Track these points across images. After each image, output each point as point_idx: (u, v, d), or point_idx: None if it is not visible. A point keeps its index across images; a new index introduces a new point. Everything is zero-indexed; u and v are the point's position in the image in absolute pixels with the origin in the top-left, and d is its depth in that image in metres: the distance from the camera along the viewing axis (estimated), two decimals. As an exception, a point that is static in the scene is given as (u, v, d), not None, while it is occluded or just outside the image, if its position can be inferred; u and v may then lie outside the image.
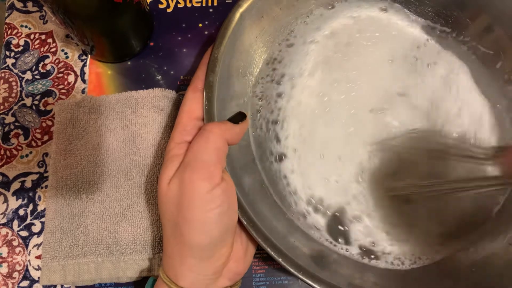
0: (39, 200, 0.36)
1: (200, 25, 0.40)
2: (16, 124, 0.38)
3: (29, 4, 0.41)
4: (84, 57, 0.40)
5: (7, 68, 0.40)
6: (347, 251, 0.31)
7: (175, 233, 0.26)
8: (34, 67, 0.39)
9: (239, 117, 0.29)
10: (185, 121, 0.28)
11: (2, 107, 0.38)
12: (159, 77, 0.39)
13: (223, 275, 0.27)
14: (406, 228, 0.32)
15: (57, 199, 0.34)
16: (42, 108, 0.38)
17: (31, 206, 0.36)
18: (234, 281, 0.28)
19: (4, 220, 0.36)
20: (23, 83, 0.39)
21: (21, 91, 0.39)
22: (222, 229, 0.25)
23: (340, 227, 0.32)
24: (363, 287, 0.29)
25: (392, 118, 0.33)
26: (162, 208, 0.27)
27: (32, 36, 0.40)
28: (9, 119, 0.38)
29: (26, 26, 0.41)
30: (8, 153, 0.37)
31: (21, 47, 0.40)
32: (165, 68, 0.39)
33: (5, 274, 0.35)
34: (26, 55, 0.40)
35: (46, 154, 0.37)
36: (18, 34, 0.40)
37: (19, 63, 0.40)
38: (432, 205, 0.32)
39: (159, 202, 0.27)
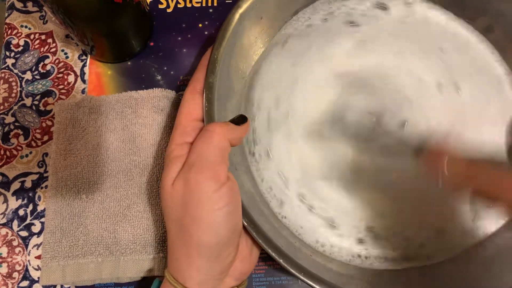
0: (39, 200, 0.36)
1: (200, 25, 0.40)
2: (16, 124, 0.38)
3: (29, 4, 0.41)
4: (84, 57, 0.40)
5: (7, 68, 0.40)
6: (341, 254, 0.31)
7: (181, 234, 0.26)
8: (34, 67, 0.39)
9: (240, 119, 0.29)
10: (184, 123, 0.28)
11: (2, 107, 0.38)
12: (159, 77, 0.39)
13: (229, 275, 0.27)
14: (400, 231, 0.31)
15: (57, 199, 0.34)
16: (42, 108, 0.38)
17: (31, 206, 0.36)
18: (240, 280, 0.28)
19: (4, 220, 0.36)
20: (23, 83, 0.39)
21: (21, 91, 0.39)
22: (229, 228, 0.26)
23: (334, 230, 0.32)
24: (362, 286, 0.29)
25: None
26: (167, 209, 0.27)
27: (32, 36, 0.40)
28: (9, 119, 0.38)
29: (26, 26, 0.41)
30: (8, 153, 0.37)
31: (21, 47, 0.40)
32: (165, 68, 0.39)
33: (5, 274, 0.35)
34: (26, 55, 0.40)
35: (46, 154, 0.37)
36: (18, 34, 0.40)
37: (19, 63, 0.40)
38: (423, 207, 0.32)
39: (163, 204, 0.27)
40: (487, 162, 0.31)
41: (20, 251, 0.35)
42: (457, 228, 0.31)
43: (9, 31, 0.41)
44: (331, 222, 0.32)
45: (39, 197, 0.36)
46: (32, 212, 0.36)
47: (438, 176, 0.30)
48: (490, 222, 0.31)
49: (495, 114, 0.33)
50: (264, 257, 0.35)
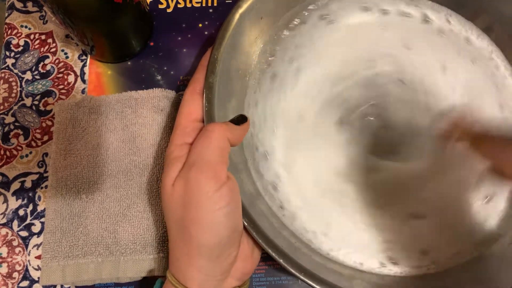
0: (39, 200, 0.36)
1: (200, 25, 0.40)
2: (16, 124, 0.38)
3: (29, 4, 0.41)
4: (84, 57, 0.40)
5: (7, 68, 0.40)
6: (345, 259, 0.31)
7: (182, 234, 0.26)
8: (34, 67, 0.39)
9: (240, 119, 0.29)
10: (184, 123, 0.28)
11: (2, 107, 0.38)
12: (159, 77, 0.39)
13: (231, 275, 0.27)
14: (407, 237, 0.31)
15: (57, 199, 0.34)
16: (42, 108, 0.38)
17: (31, 206, 0.36)
18: (242, 280, 0.28)
19: (4, 220, 0.36)
20: (23, 83, 0.39)
21: (21, 91, 0.39)
22: (230, 228, 0.26)
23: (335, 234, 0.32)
24: (363, 286, 0.29)
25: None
26: (167, 210, 0.27)
27: (32, 36, 0.40)
28: (9, 119, 0.38)
29: (26, 26, 0.41)
30: (8, 153, 0.37)
31: (21, 47, 0.40)
32: (165, 68, 0.39)
33: (5, 274, 0.35)
34: (26, 55, 0.40)
35: (46, 154, 0.37)
36: (18, 34, 0.40)
37: (19, 63, 0.40)
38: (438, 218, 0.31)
39: (164, 204, 0.27)
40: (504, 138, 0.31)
41: (20, 251, 0.35)
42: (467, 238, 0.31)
43: (9, 31, 0.41)
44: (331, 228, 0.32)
45: (39, 197, 0.36)
46: (32, 212, 0.36)
47: (451, 142, 0.31)
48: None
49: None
50: (264, 257, 0.35)
